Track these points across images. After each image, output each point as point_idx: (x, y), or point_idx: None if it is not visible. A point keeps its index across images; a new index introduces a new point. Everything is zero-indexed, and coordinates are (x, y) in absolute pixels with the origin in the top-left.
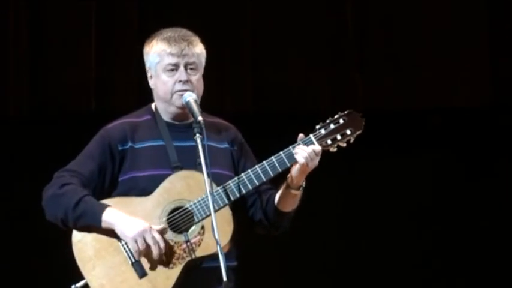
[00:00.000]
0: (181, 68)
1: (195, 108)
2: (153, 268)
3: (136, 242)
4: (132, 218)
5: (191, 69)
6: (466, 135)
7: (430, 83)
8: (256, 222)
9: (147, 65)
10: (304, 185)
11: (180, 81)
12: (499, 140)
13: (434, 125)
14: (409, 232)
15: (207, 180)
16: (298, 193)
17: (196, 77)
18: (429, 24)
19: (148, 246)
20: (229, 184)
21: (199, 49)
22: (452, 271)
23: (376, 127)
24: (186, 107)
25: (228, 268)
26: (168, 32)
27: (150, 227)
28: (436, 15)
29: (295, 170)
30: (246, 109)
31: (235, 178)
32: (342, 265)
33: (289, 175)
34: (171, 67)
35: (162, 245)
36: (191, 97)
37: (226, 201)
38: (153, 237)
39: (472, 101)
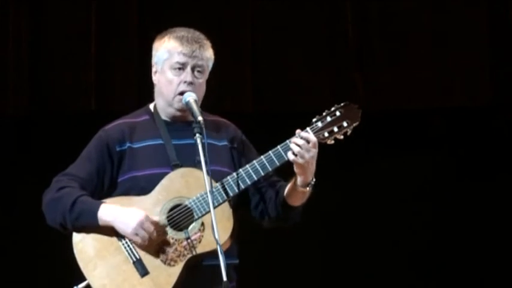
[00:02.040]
0: (188, 69)
1: (195, 108)
2: (154, 255)
3: (137, 235)
4: (126, 210)
5: (198, 71)
6: (466, 135)
7: (430, 83)
8: (265, 216)
9: (154, 60)
10: (313, 182)
11: (185, 82)
12: (499, 140)
13: (434, 125)
14: (409, 232)
15: (207, 180)
16: (307, 190)
17: (200, 81)
18: (429, 24)
19: (150, 236)
20: (228, 180)
21: (209, 53)
22: (452, 271)
23: (376, 127)
24: (185, 110)
25: (229, 266)
26: (182, 32)
27: (146, 216)
28: (436, 15)
29: (295, 167)
30: (246, 109)
31: (234, 174)
32: (341, 264)
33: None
34: (179, 66)
35: (156, 234)
36: (191, 97)
37: (225, 197)
38: (149, 227)
39: (472, 101)
